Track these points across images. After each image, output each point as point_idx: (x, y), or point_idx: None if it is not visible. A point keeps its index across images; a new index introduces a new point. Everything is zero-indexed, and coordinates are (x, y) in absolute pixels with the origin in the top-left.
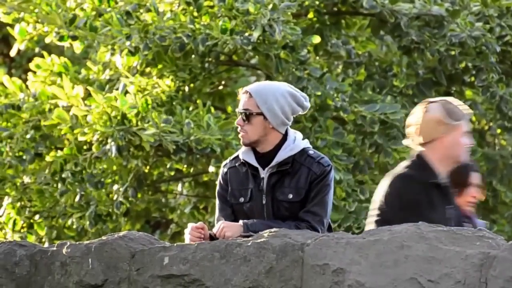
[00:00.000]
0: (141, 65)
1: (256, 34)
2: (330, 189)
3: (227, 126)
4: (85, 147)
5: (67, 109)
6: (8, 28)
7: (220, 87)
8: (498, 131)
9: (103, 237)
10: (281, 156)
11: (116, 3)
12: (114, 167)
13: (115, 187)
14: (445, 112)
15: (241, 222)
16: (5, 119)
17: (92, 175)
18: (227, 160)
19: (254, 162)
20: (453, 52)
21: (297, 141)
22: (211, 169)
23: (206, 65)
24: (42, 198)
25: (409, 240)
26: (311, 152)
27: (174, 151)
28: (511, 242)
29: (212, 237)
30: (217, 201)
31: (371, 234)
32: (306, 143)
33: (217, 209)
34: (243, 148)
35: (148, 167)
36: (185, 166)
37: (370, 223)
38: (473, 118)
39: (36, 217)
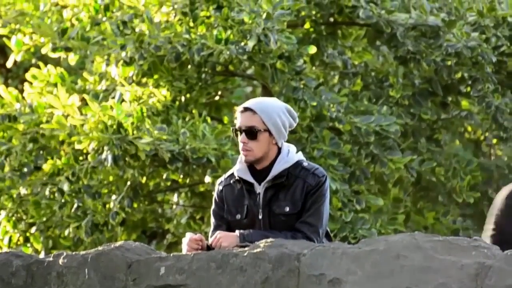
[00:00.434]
0: (137, 75)
1: (251, 44)
2: (326, 199)
3: (222, 135)
4: (81, 157)
5: (64, 117)
6: (4, 39)
7: (216, 98)
8: (494, 141)
9: (100, 247)
10: (276, 169)
11: (113, 12)
12: (111, 178)
13: (112, 197)
14: None
15: (237, 232)
16: (1, 129)
17: (89, 186)
18: (222, 178)
19: (250, 178)
20: (449, 62)
21: (291, 154)
22: (207, 179)
23: (202, 75)
24: (39, 209)
25: (405, 250)
26: (305, 164)
27: (169, 160)
28: (506, 252)
29: (209, 247)
30: (212, 219)
31: (367, 244)
32: (300, 156)
33: (212, 227)
34: (238, 165)
35: (144, 178)
36: (181, 176)
37: (485, 237)
38: (469, 128)
39: (32, 229)
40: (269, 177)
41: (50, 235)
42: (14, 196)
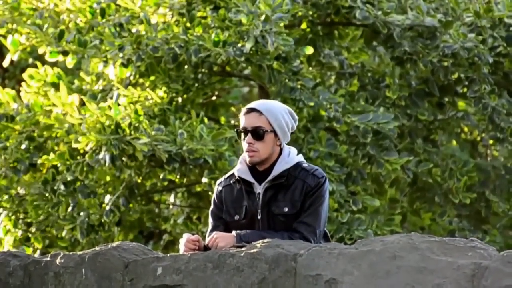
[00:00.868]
0: (134, 76)
1: (248, 45)
2: (325, 200)
3: (220, 137)
4: (78, 157)
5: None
6: (1, 38)
7: (213, 98)
8: (490, 142)
9: (97, 248)
10: (277, 170)
11: (109, 16)
12: (108, 178)
13: (107, 197)
14: None
15: (234, 232)
16: None
17: (85, 186)
18: (222, 179)
19: (250, 179)
20: (445, 63)
21: (291, 155)
22: (204, 180)
23: (199, 76)
24: (37, 209)
25: (402, 250)
26: (305, 165)
27: (167, 161)
28: (503, 253)
29: (206, 248)
30: (210, 220)
31: (364, 244)
32: (300, 158)
33: (210, 228)
34: (238, 165)
35: (141, 178)
36: (178, 176)
37: None
38: (466, 129)
39: (33, 229)
40: (270, 177)
41: (47, 235)
42: (13, 196)
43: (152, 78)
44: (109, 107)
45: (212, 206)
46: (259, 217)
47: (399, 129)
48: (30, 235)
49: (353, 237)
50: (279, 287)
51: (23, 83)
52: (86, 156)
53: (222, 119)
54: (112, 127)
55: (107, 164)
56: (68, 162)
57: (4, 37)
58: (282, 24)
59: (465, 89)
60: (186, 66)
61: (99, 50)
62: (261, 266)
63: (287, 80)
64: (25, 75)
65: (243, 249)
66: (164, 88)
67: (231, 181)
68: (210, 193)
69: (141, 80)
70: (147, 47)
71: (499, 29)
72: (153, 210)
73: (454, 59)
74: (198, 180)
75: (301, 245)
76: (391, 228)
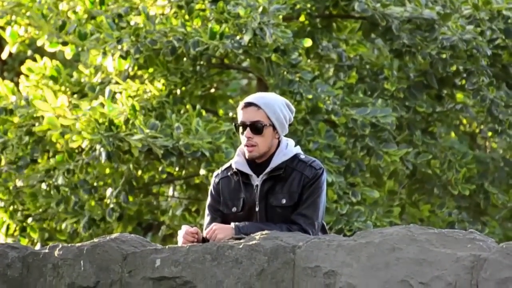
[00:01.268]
0: (132, 68)
1: (247, 38)
2: (322, 191)
3: (217, 130)
4: (76, 151)
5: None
6: (0, 30)
7: (212, 90)
8: (489, 134)
9: (95, 240)
10: (275, 162)
11: (108, 5)
12: (107, 170)
13: (109, 190)
14: None
15: (232, 224)
16: None
17: (85, 181)
18: (219, 171)
19: (248, 171)
20: (444, 55)
21: (289, 147)
22: (202, 172)
23: (198, 68)
24: (35, 201)
25: (400, 242)
26: (302, 156)
27: (163, 155)
28: (502, 245)
29: (204, 240)
30: (206, 212)
31: (363, 236)
32: (298, 149)
33: (208, 220)
34: (236, 157)
35: (139, 171)
36: (176, 169)
37: None
38: (464, 121)
39: (29, 220)
40: (268, 170)
41: (45, 227)
42: (11, 187)
43: (150, 70)
44: (102, 104)
45: (209, 198)
46: (257, 209)
47: (397, 121)
48: (25, 225)
49: (352, 229)
50: (278, 278)
51: (21, 76)
52: (83, 154)
53: (221, 112)
54: (106, 124)
55: (103, 161)
56: (67, 162)
57: (3, 29)
58: (280, 16)
59: (463, 81)
60: (184, 59)
61: (98, 42)
62: (259, 258)
63: (285, 73)
64: (23, 68)
65: (241, 241)
66: (162, 81)
67: (229, 173)
68: (209, 186)
69: (139, 73)
70: (146, 39)
71: (497, 21)
72: (151, 202)
73: (452, 51)
74: (197, 172)
75: (300, 237)
76: (390, 220)
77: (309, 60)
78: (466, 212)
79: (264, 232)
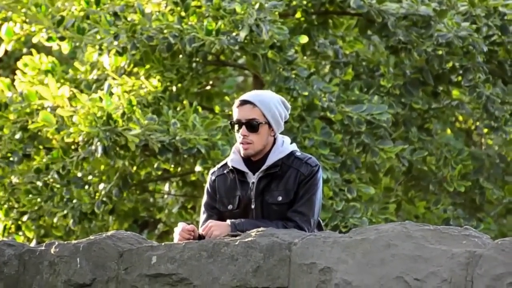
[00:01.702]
0: (128, 65)
1: (243, 34)
2: (318, 188)
3: (213, 126)
4: (72, 147)
5: (53, 109)
6: None
7: (208, 87)
8: (485, 130)
9: (91, 237)
10: (271, 159)
11: (104, 4)
12: (102, 167)
13: (101, 186)
14: None
15: (228, 221)
16: None
17: (79, 178)
18: (215, 168)
19: (244, 168)
20: (440, 52)
21: (285, 145)
22: (198, 168)
23: (194, 65)
24: (30, 199)
25: (396, 239)
26: (298, 154)
27: (159, 151)
28: (497, 241)
29: (200, 237)
30: (202, 209)
31: (358, 233)
32: (294, 147)
33: (204, 217)
34: (232, 155)
35: (135, 167)
36: (173, 166)
37: None
38: (460, 118)
39: (24, 218)
40: (264, 167)
41: (41, 224)
42: (6, 184)
43: (146, 67)
44: (101, 98)
45: (205, 196)
46: (253, 206)
47: (393, 117)
48: (20, 223)
49: (348, 225)
50: (274, 275)
51: (17, 71)
52: (79, 148)
53: (217, 108)
54: (104, 118)
55: (99, 155)
56: (62, 159)
57: None
58: (276, 13)
59: (459, 78)
60: (180, 55)
61: (95, 38)
62: (255, 255)
63: (281, 70)
64: (19, 63)
65: (237, 238)
66: (158, 77)
67: (225, 171)
68: (204, 184)
69: (135, 69)
70: (142, 35)
71: (493, 18)
72: (147, 199)
73: (448, 48)
74: (193, 169)
75: (296, 234)
76: (386, 217)
77: (305, 57)
78: (461, 209)
79: (260, 229)
